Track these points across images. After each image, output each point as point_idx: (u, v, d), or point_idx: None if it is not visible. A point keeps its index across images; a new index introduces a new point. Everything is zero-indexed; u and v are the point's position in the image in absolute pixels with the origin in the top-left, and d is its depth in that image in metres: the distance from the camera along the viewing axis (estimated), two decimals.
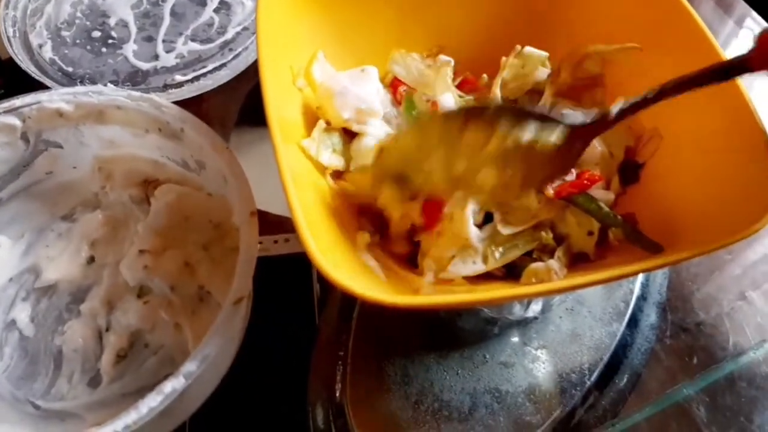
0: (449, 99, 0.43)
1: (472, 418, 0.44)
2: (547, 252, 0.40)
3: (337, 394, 0.45)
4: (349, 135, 0.42)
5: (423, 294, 0.37)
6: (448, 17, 0.47)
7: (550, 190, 0.38)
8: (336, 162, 0.41)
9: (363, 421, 0.44)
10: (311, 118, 0.42)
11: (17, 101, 0.44)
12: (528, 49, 0.43)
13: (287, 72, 0.41)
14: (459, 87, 0.45)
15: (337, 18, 0.44)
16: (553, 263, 0.37)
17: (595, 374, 0.46)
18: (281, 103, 0.39)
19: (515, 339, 0.48)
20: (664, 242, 0.36)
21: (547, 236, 0.39)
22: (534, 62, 0.43)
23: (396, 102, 0.44)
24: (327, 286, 0.47)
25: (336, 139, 0.41)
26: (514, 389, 0.45)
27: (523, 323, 0.48)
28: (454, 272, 0.38)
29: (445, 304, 0.37)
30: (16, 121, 0.44)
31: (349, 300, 0.49)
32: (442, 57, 0.46)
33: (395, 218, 0.40)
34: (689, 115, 0.38)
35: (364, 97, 0.42)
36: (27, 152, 0.46)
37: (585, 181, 0.39)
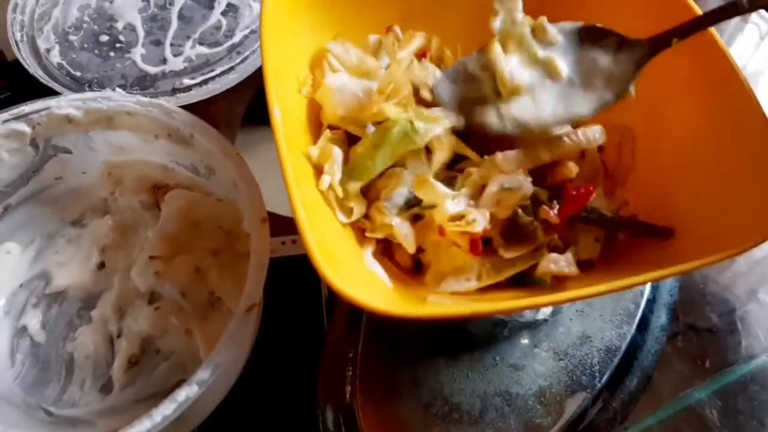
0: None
1: (482, 420, 0.44)
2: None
3: (347, 397, 0.45)
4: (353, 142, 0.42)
5: (430, 303, 0.37)
6: (454, 21, 0.46)
7: (553, 216, 0.38)
8: (336, 172, 0.40)
9: (373, 424, 0.44)
10: (317, 124, 0.42)
11: (26, 108, 0.44)
12: None
13: (293, 79, 0.41)
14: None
15: (341, 19, 0.44)
16: (564, 266, 0.37)
17: (606, 376, 0.46)
18: (287, 110, 0.38)
19: (525, 341, 0.47)
20: (676, 248, 0.36)
21: (546, 254, 0.39)
22: None
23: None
24: None
25: (338, 150, 0.41)
26: (525, 392, 0.45)
27: (533, 325, 0.47)
28: (446, 289, 0.38)
29: (453, 314, 0.37)
30: (25, 128, 0.44)
31: None
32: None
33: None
34: (693, 114, 0.38)
35: (361, 95, 0.42)
36: (36, 158, 0.46)
37: (580, 197, 0.39)
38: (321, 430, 0.45)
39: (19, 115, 0.43)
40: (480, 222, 0.37)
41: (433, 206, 0.38)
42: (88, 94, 0.44)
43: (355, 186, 0.39)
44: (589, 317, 0.48)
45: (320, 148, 0.40)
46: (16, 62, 0.57)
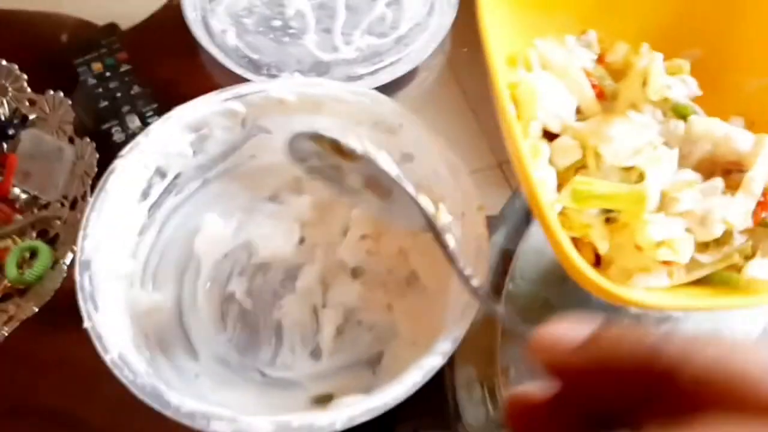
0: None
1: None
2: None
3: (487, 377, 0.48)
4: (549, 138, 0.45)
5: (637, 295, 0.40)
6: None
7: (750, 221, 0.40)
8: (544, 169, 0.43)
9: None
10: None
11: (243, 89, 0.46)
12: None
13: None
14: None
15: (535, 19, 0.47)
16: None
17: None
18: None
19: None
20: None
21: (738, 258, 0.41)
22: None
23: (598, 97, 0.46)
24: None
25: (546, 146, 0.44)
26: None
27: (665, 320, 0.50)
28: (637, 284, 0.40)
29: (665, 306, 0.41)
30: (241, 108, 0.46)
31: (497, 282, 0.51)
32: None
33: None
34: None
35: (566, 107, 0.44)
36: (241, 137, 0.48)
37: None
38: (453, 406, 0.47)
39: (236, 96, 0.46)
40: (686, 253, 0.39)
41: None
42: (303, 80, 0.46)
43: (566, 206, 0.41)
44: (718, 314, 0.51)
45: (531, 145, 0.43)
46: (131, 33, 0.60)
